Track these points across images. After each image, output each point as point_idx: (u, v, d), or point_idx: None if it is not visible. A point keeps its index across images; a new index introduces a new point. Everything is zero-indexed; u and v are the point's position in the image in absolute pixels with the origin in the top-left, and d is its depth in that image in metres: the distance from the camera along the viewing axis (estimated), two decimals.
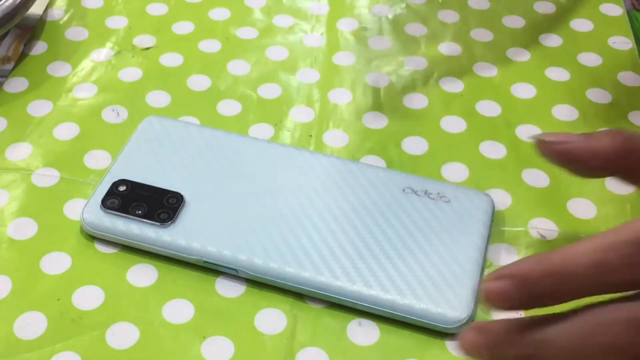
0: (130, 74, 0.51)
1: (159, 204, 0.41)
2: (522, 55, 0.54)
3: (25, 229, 0.41)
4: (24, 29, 0.53)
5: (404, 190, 0.42)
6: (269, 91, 0.50)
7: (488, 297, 0.27)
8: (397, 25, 0.56)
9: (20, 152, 0.45)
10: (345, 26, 0.56)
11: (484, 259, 0.40)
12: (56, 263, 0.40)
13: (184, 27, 0.55)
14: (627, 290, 0.27)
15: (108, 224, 0.40)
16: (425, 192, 0.42)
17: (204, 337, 0.37)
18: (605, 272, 0.27)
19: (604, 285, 0.27)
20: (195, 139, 0.45)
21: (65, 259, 0.40)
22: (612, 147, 0.31)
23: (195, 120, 0.48)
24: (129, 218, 0.40)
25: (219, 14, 0.56)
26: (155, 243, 0.40)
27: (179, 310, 0.38)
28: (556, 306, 0.39)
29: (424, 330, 0.38)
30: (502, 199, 0.44)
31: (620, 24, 0.57)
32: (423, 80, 0.51)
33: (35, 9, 0.54)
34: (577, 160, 0.32)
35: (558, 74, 0.52)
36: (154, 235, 0.40)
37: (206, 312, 0.38)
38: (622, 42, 0.55)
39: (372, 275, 0.38)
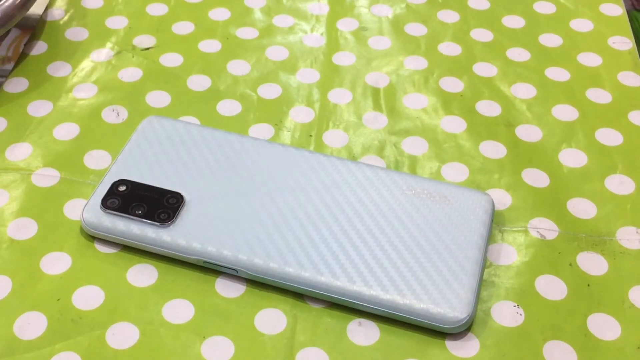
0: (130, 74, 0.51)
1: (159, 204, 0.41)
2: (522, 55, 0.54)
3: (25, 229, 0.41)
4: (24, 29, 0.53)
5: (404, 190, 0.42)
6: (269, 91, 0.50)
7: None
8: (397, 25, 0.56)
9: (20, 152, 0.45)
10: (345, 26, 0.56)
11: (484, 259, 0.40)
12: (56, 263, 0.40)
13: (184, 27, 0.55)
14: None
15: (108, 224, 0.40)
16: (425, 192, 0.42)
17: (204, 337, 0.37)
18: None
19: None
20: (195, 139, 0.45)
21: (65, 259, 0.40)
22: None
23: (195, 120, 0.48)
24: (129, 218, 0.40)
25: (219, 14, 0.56)
26: (155, 243, 0.40)
27: (179, 310, 0.38)
28: (555, 307, 0.40)
29: (424, 330, 0.38)
30: (502, 199, 0.44)
31: (620, 24, 0.57)
32: (423, 80, 0.51)
33: (35, 9, 0.54)
34: None
35: (558, 74, 0.52)
36: (154, 235, 0.40)
37: (206, 312, 0.38)
38: (622, 42, 0.55)
39: (372, 275, 0.38)
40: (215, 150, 0.44)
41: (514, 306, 0.39)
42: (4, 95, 0.49)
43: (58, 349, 0.36)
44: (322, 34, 0.55)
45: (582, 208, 0.44)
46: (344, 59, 0.53)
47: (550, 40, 0.55)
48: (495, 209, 0.43)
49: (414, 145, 0.47)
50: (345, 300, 0.38)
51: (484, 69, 0.53)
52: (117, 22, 0.55)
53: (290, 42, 0.54)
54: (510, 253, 0.41)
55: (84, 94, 0.49)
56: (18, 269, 0.40)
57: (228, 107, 0.49)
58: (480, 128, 0.48)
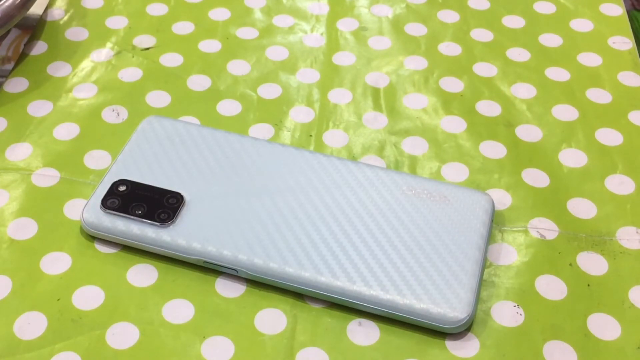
0: (130, 74, 0.51)
1: (159, 204, 0.41)
2: (522, 55, 0.54)
3: (25, 229, 0.41)
4: (24, 29, 0.53)
5: (404, 190, 0.42)
6: (269, 91, 0.50)
7: None
8: (397, 25, 0.56)
9: (20, 152, 0.45)
10: (345, 26, 0.56)
11: (484, 259, 0.40)
12: (56, 263, 0.40)
13: (184, 27, 0.55)
14: None
15: (108, 224, 0.40)
16: (425, 192, 0.42)
17: (204, 337, 0.37)
18: None
19: None
20: (195, 139, 0.45)
21: (65, 259, 0.40)
22: None
23: (195, 120, 0.48)
24: (129, 218, 0.40)
25: (219, 14, 0.56)
26: (155, 243, 0.40)
27: (179, 310, 0.38)
28: (555, 307, 0.40)
29: (424, 330, 0.38)
30: (502, 199, 0.44)
31: (620, 24, 0.57)
32: (423, 80, 0.51)
33: (35, 9, 0.54)
34: None
35: (558, 74, 0.52)
36: (154, 235, 0.40)
37: (206, 312, 0.38)
38: (622, 42, 0.55)
39: (372, 275, 0.38)
40: (215, 150, 0.44)
41: (514, 306, 0.39)
42: (4, 95, 0.49)
43: (58, 349, 0.36)
44: (322, 34, 0.55)
45: (582, 208, 0.44)
46: (344, 59, 0.53)
47: (550, 40, 0.55)
48: (495, 209, 0.43)
49: (414, 145, 0.47)
50: (345, 300, 0.38)
51: (484, 69, 0.53)
52: (117, 22, 0.55)
53: (290, 42, 0.54)
54: (510, 253, 0.41)
55: (84, 94, 0.49)
56: (18, 269, 0.40)
57: (228, 107, 0.49)
58: (480, 128, 0.48)
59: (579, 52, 0.54)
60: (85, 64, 0.51)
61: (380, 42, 0.54)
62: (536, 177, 0.45)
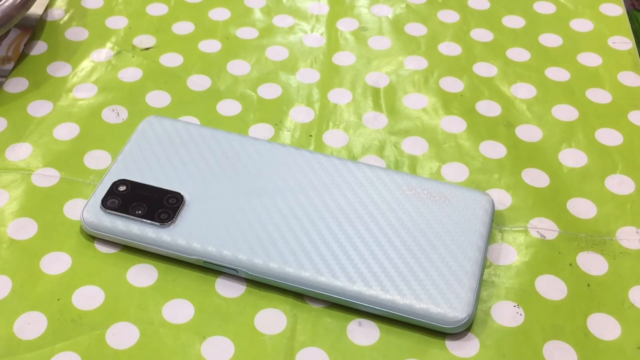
0: (130, 74, 0.51)
1: (159, 204, 0.41)
2: (522, 55, 0.54)
3: (25, 229, 0.41)
4: (24, 29, 0.53)
5: (404, 190, 0.42)
6: (269, 91, 0.50)
7: None
8: (397, 25, 0.56)
9: (20, 152, 0.45)
10: (345, 26, 0.56)
11: (484, 259, 0.40)
12: (56, 263, 0.40)
13: (184, 27, 0.55)
14: None
15: (108, 224, 0.40)
16: (425, 192, 0.42)
17: (204, 337, 0.37)
18: None
19: None
20: (195, 139, 0.45)
21: (65, 259, 0.40)
22: None
23: (195, 120, 0.48)
24: (129, 218, 0.40)
25: (219, 14, 0.56)
26: (155, 243, 0.40)
27: (179, 310, 0.38)
28: (555, 307, 0.40)
29: (424, 330, 0.38)
30: (502, 199, 0.44)
31: (620, 24, 0.57)
32: (423, 80, 0.51)
33: (35, 9, 0.54)
34: None
35: (558, 74, 0.52)
36: (154, 235, 0.40)
37: (206, 312, 0.38)
38: (622, 42, 0.55)
39: (372, 275, 0.38)
40: (215, 150, 0.44)
41: (514, 306, 0.39)
42: (4, 95, 0.49)
43: (58, 349, 0.36)
44: (322, 34, 0.55)
45: (582, 208, 0.44)
46: (344, 59, 0.53)
47: (550, 40, 0.55)
48: (495, 209, 0.43)
49: (414, 145, 0.47)
50: (345, 300, 0.38)
51: (484, 69, 0.53)
52: (117, 22, 0.55)
53: (290, 42, 0.54)
54: (510, 253, 0.41)
55: (84, 94, 0.49)
56: (18, 269, 0.40)
57: (228, 107, 0.49)
58: (480, 128, 0.48)
59: (579, 52, 0.54)
60: (85, 64, 0.51)
61: (380, 42, 0.54)
62: (536, 177, 0.45)
